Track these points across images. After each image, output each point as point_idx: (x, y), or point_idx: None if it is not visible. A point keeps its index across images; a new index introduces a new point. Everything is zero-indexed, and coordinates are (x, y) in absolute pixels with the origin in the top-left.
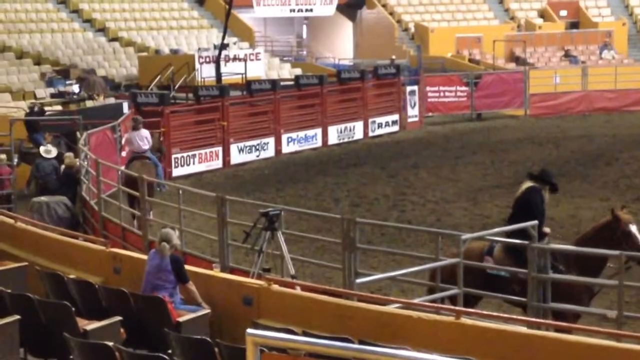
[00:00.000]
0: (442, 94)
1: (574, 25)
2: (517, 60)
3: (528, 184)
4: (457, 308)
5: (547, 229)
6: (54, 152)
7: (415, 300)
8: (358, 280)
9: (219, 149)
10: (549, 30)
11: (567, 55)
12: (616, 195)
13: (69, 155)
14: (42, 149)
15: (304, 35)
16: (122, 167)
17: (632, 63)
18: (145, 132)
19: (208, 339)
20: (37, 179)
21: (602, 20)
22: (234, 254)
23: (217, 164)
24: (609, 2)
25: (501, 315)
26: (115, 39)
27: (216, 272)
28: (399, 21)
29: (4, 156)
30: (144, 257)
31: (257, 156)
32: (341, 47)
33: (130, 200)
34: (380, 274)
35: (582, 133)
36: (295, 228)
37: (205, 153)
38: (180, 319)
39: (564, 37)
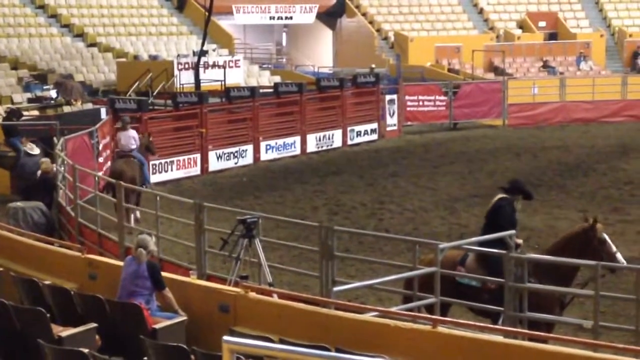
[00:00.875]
0: (421, 103)
1: (552, 36)
2: (496, 70)
3: (499, 195)
4: (434, 317)
5: (519, 240)
6: (36, 149)
7: (393, 309)
8: (335, 289)
9: (197, 156)
10: (527, 41)
11: (545, 66)
12: (593, 206)
13: (45, 160)
14: (27, 146)
15: (284, 43)
16: (100, 173)
17: (609, 74)
18: (132, 132)
19: (184, 346)
20: (21, 178)
21: (580, 32)
22: (211, 261)
23: (195, 170)
24: (587, 13)
25: (478, 324)
26: (93, 44)
27: (193, 279)
28: (378, 30)
29: None
30: (120, 263)
31: (236, 163)
32: (321, 55)
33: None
34: (358, 282)
35: (559, 143)
36: (273, 236)
37: (184, 160)
38: (157, 326)
39: (542, 47)
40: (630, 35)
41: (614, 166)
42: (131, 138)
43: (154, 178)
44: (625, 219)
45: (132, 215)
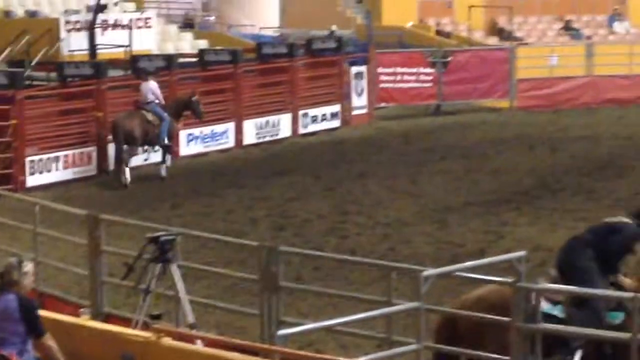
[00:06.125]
0: (399, 77)
1: None
2: (501, 33)
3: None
4: None
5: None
6: None
7: None
8: (281, 332)
9: (93, 150)
10: None
11: (567, 28)
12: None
13: None
14: None
15: None
16: None
17: None
18: (152, 84)
19: None
20: None
21: None
22: (111, 295)
23: (91, 169)
24: None
25: None
26: None
27: (85, 320)
28: None
29: None
30: None
31: (146, 160)
32: (263, 12)
33: (119, 147)
34: (313, 322)
35: (586, 133)
36: (196, 259)
37: (74, 155)
38: None
39: (563, 3)
40: None
41: None
42: (149, 90)
43: (32, 180)
44: None
45: (122, 177)
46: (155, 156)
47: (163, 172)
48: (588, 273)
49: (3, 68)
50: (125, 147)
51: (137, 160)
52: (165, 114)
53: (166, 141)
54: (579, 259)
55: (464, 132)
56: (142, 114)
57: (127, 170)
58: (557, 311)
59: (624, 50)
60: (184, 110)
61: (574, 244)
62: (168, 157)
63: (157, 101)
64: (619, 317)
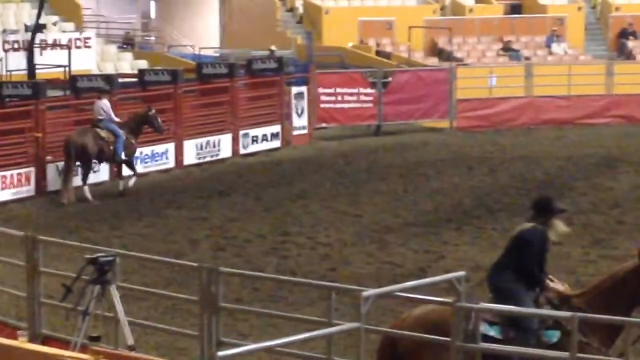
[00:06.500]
0: (340, 97)
1: (515, 9)
2: (441, 54)
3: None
4: None
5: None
6: None
7: None
8: (221, 353)
9: (31, 171)
10: (483, 15)
11: (506, 48)
12: (570, 237)
13: None
14: None
15: (152, 15)
16: None
17: (590, 60)
18: (104, 103)
19: None
20: None
21: (552, 4)
22: (49, 317)
23: (29, 190)
24: None
25: None
26: None
27: (23, 343)
28: None
29: None
30: None
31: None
32: (203, 33)
33: (70, 165)
34: (253, 343)
35: (525, 153)
36: (136, 280)
37: (12, 176)
38: None
39: (502, 24)
40: (617, 9)
41: (596, 184)
42: (100, 108)
43: None
44: (610, 253)
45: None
46: (95, 177)
47: (127, 185)
48: (514, 294)
49: None
50: (77, 163)
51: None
52: (120, 131)
53: (123, 157)
54: (503, 282)
55: (404, 153)
56: (95, 131)
57: (87, 188)
58: (494, 332)
59: (562, 71)
60: (142, 125)
61: (494, 270)
62: (133, 172)
63: (108, 118)
64: (555, 336)
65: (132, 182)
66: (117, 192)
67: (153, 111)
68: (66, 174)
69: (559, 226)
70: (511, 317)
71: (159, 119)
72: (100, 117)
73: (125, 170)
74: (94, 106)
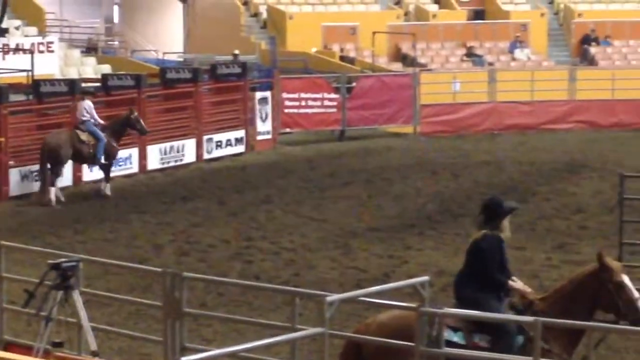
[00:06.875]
0: (304, 103)
1: (478, 14)
2: (404, 59)
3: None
4: None
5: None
6: None
7: None
8: (184, 359)
9: None
10: (446, 21)
11: (469, 54)
12: (533, 242)
13: None
14: None
15: (116, 20)
16: None
17: (553, 66)
18: (87, 103)
19: None
20: None
21: (514, 9)
22: (12, 323)
23: None
24: None
25: None
26: None
27: None
28: (245, 3)
29: None
30: None
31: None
32: (167, 37)
33: (43, 167)
34: (217, 349)
35: (488, 158)
36: (99, 286)
37: None
38: None
39: (465, 30)
40: (580, 15)
41: (559, 189)
42: (83, 109)
43: None
44: (573, 258)
45: (47, 196)
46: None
47: (107, 191)
48: (480, 302)
49: None
50: (49, 166)
51: (37, 186)
52: (102, 134)
53: (102, 160)
54: (468, 293)
55: (368, 158)
56: (74, 134)
57: (53, 190)
58: (457, 338)
59: (525, 77)
60: (125, 128)
61: (459, 281)
62: (108, 177)
63: (92, 120)
64: (518, 341)
65: (109, 185)
66: (102, 194)
67: (135, 114)
68: (42, 176)
69: (507, 228)
70: (482, 324)
71: (142, 121)
72: (83, 118)
73: (100, 174)
74: (77, 107)
